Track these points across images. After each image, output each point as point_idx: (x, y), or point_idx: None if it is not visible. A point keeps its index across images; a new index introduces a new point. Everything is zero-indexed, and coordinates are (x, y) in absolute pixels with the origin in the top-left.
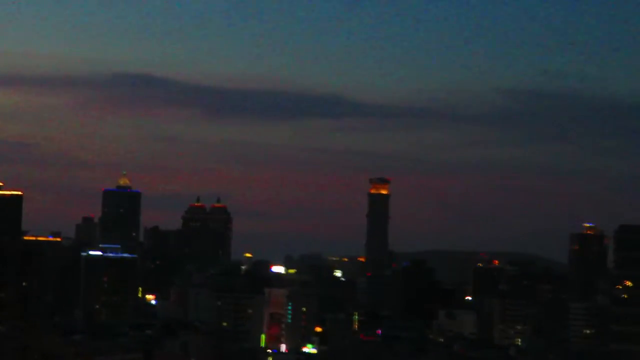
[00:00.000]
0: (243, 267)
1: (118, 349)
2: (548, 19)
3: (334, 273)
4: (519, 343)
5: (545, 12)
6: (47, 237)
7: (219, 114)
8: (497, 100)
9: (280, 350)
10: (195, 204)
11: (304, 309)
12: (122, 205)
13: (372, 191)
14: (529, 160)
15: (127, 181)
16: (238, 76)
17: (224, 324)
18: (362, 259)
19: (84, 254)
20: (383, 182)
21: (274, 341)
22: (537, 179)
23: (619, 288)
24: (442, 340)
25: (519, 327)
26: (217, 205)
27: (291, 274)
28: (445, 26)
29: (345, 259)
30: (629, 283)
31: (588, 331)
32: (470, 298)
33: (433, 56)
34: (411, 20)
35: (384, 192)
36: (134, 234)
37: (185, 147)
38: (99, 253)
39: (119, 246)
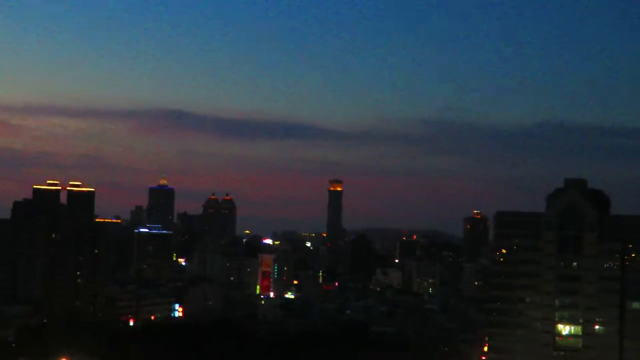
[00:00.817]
0: (244, 240)
1: (158, 295)
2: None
3: (305, 244)
4: (430, 291)
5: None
6: (111, 219)
7: (228, 136)
8: (417, 125)
9: (270, 296)
10: (211, 197)
11: (285, 268)
12: (161, 198)
13: (331, 188)
14: (438, 167)
15: (165, 181)
16: (242, 109)
17: (231, 278)
18: (324, 234)
19: (136, 230)
20: (338, 182)
21: (265, 290)
22: (443, 180)
23: (496, 254)
24: (378, 289)
25: (430, 281)
26: (226, 197)
27: (276, 245)
28: (390, 68)
29: (313, 234)
30: (503, 250)
31: (476, 283)
32: (397, 261)
33: (373, 90)
34: (358, 64)
35: (339, 189)
36: (169, 217)
37: (204, 159)
38: (146, 230)
39: (159, 225)
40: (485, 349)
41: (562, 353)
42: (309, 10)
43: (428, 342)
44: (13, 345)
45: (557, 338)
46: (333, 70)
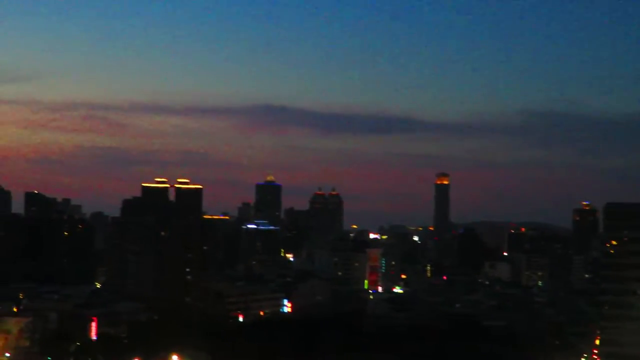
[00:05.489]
0: (351, 235)
1: (267, 291)
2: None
3: (413, 238)
4: (540, 284)
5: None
6: (219, 216)
7: (332, 131)
8: (521, 116)
9: (378, 291)
10: (318, 192)
11: (393, 262)
12: (268, 194)
13: (437, 182)
14: (543, 158)
15: (272, 178)
16: (345, 104)
17: (339, 273)
18: (431, 228)
19: (243, 227)
20: (445, 175)
21: (373, 285)
22: (548, 171)
23: (607, 245)
24: (487, 282)
25: (539, 274)
26: (332, 192)
27: (384, 239)
28: (483, 61)
29: (420, 228)
30: (613, 242)
31: (586, 275)
32: (505, 254)
33: (476, 82)
34: (452, 58)
35: (445, 182)
36: (277, 213)
37: (309, 154)
38: (254, 226)
39: (267, 221)
40: (597, 342)
41: None
42: (406, 4)
43: (538, 335)
44: (125, 341)
45: None
46: (434, 62)
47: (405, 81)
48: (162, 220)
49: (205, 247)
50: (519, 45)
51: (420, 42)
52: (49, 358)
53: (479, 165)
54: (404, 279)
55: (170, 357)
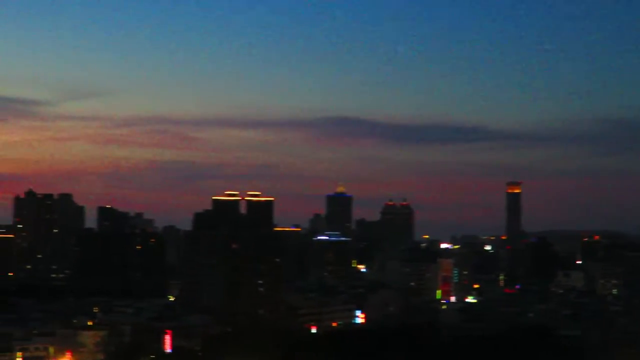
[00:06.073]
0: (422, 245)
1: (339, 302)
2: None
3: (485, 247)
4: (614, 292)
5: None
6: (290, 227)
7: (401, 142)
8: (592, 124)
9: (450, 301)
10: (388, 203)
11: (465, 272)
12: (339, 205)
13: (509, 190)
14: (615, 166)
15: (343, 189)
16: (413, 115)
17: (411, 283)
18: (503, 237)
19: (314, 238)
20: (516, 184)
21: (445, 295)
22: (620, 179)
23: None
24: (561, 291)
25: (614, 282)
26: (403, 203)
27: (455, 249)
28: (556, 69)
29: (492, 237)
30: None
31: None
32: (579, 262)
33: (543, 90)
34: (524, 66)
35: (517, 191)
36: (347, 225)
37: (379, 165)
38: (325, 237)
39: (338, 233)
40: None
41: None
42: (474, 13)
43: (613, 345)
44: (199, 354)
45: None
46: (506, 71)
47: (475, 90)
48: (233, 232)
49: (277, 260)
50: (593, 53)
51: (490, 50)
52: None
53: (551, 173)
54: (476, 288)
55: None
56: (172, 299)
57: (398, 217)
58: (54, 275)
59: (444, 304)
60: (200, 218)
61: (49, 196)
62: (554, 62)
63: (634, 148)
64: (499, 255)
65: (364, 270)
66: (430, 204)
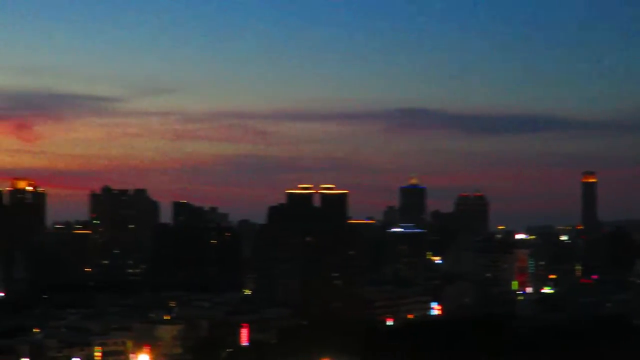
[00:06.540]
0: (498, 236)
1: (415, 294)
2: None
3: (560, 237)
4: None
5: None
6: (364, 220)
7: (475, 132)
8: None
9: (527, 292)
10: (462, 194)
11: (541, 262)
12: (413, 197)
13: (584, 180)
14: None
15: (416, 181)
16: (485, 105)
17: (487, 274)
18: (579, 227)
19: (389, 230)
20: (591, 173)
21: (521, 285)
22: None
23: None
24: (638, 281)
25: None
26: (477, 194)
27: (531, 239)
28: (634, 56)
29: (568, 228)
30: None
31: None
32: None
33: (615, 79)
34: (601, 54)
35: (592, 180)
36: (422, 216)
37: (452, 156)
38: (400, 229)
39: (412, 224)
40: None
41: None
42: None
43: None
44: (276, 347)
45: None
46: (582, 60)
47: (550, 80)
48: (307, 226)
49: (351, 252)
50: None
51: (567, 39)
52: None
53: (627, 162)
54: (553, 279)
55: None
56: (247, 292)
57: (472, 208)
58: (130, 270)
59: (520, 294)
60: (274, 212)
61: (124, 192)
62: (634, 50)
63: None
64: (575, 245)
65: (439, 261)
66: (505, 194)
